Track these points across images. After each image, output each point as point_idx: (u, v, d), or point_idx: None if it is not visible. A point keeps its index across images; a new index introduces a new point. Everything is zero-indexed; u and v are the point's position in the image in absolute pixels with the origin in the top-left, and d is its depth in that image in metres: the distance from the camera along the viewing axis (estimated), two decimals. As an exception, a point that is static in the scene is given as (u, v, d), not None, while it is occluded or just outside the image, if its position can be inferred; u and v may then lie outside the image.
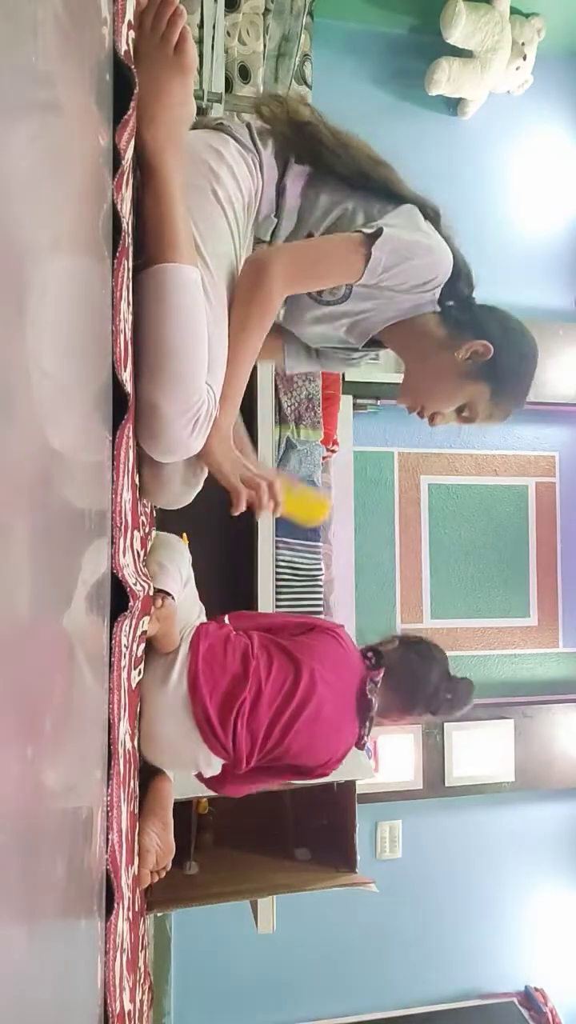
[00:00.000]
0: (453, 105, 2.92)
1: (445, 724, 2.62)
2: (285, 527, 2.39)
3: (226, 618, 1.34)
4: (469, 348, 1.16)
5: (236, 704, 1.16)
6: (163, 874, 1.23)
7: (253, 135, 1.12)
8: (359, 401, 2.72)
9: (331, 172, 1.15)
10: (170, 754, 1.23)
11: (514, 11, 2.80)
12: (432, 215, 1.17)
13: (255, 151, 1.11)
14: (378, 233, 1.07)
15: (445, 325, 1.19)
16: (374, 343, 1.26)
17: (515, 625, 2.95)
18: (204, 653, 1.20)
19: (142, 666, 1.10)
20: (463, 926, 2.79)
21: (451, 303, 1.19)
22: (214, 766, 1.23)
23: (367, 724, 1.29)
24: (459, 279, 1.18)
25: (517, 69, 2.84)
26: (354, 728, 1.29)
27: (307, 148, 1.14)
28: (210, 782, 1.27)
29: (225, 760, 1.21)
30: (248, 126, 1.13)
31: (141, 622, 0.95)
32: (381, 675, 1.28)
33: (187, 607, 1.32)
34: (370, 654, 1.32)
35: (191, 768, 1.25)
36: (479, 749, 2.70)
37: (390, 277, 1.10)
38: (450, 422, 1.25)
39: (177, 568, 1.25)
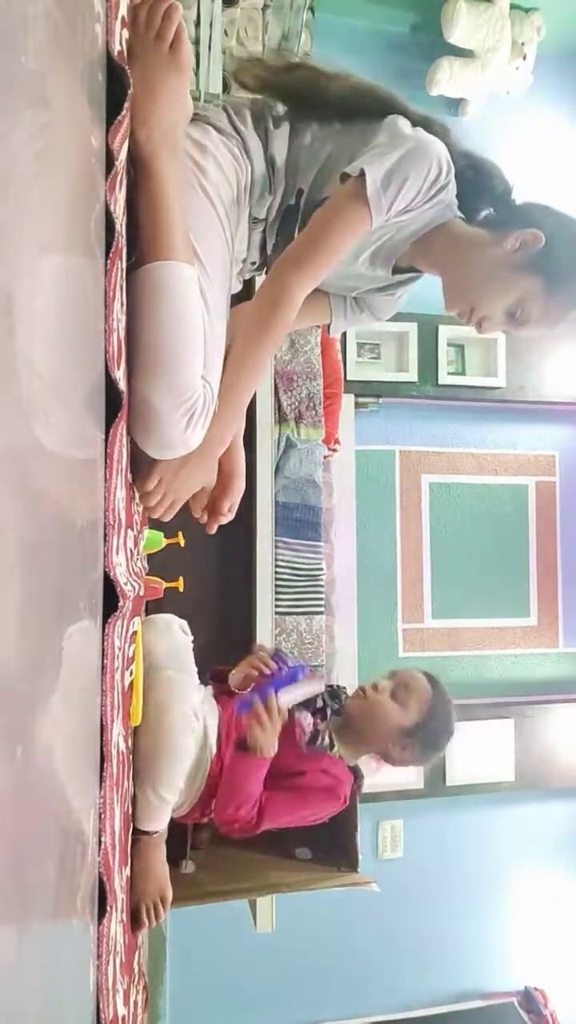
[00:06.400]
0: (453, 105, 2.92)
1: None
2: (285, 527, 2.38)
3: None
4: (518, 238, 1.09)
5: (238, 816, 1.38)
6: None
7: (232, 118, 1.09)
8: (360, 400, 2.71)
9: (313, 116, 1.11)
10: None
11: (514, 7, 2.80)
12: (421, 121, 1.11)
13: (237, 135, 1.08)
14: (361, 175, 1.01)
15: (484, 224, 1.14)
16: (407, 271, 1.20)
17: (515, 625, 2.94)
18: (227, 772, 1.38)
19: (133, 666, 1.10)
20: (463, 926, 2.79)
21: (489, 210, 1.15)
22: None
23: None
24: (490, 178, 1.14)
25: (517, 69, 2.84)
26: None
27: (303, 96, 1.10)
28: None
29: None
30: (225, 109, 1.10)
31: (132, 622, 0.95)
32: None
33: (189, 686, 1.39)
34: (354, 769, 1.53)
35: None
36: (479, 749, 2.69)
37: (396, 203, 1.04)
38: (499, 328, 1.15)
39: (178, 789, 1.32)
